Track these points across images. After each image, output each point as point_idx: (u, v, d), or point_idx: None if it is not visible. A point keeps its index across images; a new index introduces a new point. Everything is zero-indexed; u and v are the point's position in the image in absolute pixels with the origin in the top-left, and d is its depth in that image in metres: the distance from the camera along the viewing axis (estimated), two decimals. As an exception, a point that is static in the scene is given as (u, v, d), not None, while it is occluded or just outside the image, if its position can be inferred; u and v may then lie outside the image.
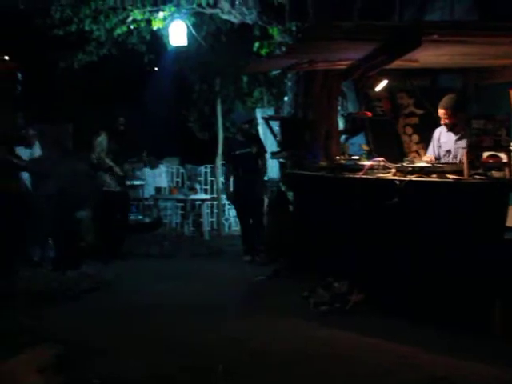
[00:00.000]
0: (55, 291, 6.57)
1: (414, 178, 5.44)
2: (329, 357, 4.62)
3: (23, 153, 8.18)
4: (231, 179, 9.00)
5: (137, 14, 8.66)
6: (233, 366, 4.38)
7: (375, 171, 5.96)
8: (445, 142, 6.59)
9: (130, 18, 8.79)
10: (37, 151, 8.61)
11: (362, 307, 5.77)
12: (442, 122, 6.47)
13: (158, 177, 12.62)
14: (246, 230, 8.90)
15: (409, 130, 8.42)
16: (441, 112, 6.42)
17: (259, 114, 11.79)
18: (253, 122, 9.43)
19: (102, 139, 8.73)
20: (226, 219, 12.18)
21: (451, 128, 6.45)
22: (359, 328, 5.20)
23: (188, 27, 9.08)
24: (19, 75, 6.41)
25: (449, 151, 6.54)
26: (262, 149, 8.91)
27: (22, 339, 4.63)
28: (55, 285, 6.82)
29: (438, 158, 6.58)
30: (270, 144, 10.52)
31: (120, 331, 5.25)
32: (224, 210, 12.16)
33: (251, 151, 8.63)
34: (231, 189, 9.00)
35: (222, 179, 11.14)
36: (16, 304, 5.52)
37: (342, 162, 6.74)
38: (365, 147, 7.47)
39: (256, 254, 8.55)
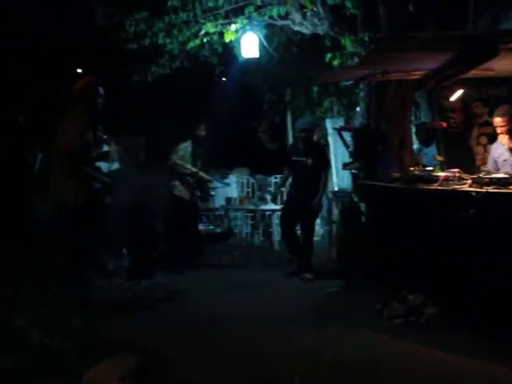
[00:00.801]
0: (130, 301, 6.68)
1: (491, 189, 5.33)
2: (405, 371, 4.56)
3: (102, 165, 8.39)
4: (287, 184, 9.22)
5: (209, 27, 8.77)
6: (307, 378, 4.36)
7: (450, 182, 5.87)
8: (501, 153, 6.60)
9: (203, 31, 8.89)
10: (115, 164, 8.80)
11: (437, 321, 5.66)
12: (499, 131, 6.52)
13: (228, 187, 12.72)
14: (285, 240, 8.91)
15: (483, 140, 8.27)
16: (498, 120, 6.50)
17: (329, 124, 11.76)
18: (311, 131, 8.79)
19: (187, 145, 8.94)
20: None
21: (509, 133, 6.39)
22: (435, 342, 5.11)
23: (259, 39, 9.13)
24: (100, 89, 6.53)
25: (505, 160, 6.52)
26: (321, 160, 8.59)
27: (100, 348, 4.71)
28: (130, 294, 6.93)
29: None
30: (342, 155, 10.48)
31: (193, 341, 5.30)
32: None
33: (305, 161, 8.39)
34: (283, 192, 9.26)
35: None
36: (92, 314, 5.61)
37: (416, 172, 6.66)
38: (439, 158, 7.36)
39: (301, 270, 8.30)
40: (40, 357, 4.30)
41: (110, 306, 6.35)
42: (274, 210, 11.57)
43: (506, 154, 6.75)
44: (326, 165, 8.86)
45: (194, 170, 8.97)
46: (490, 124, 8.25)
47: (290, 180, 9.16)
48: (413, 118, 8.21)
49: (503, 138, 6.78)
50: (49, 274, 7.28)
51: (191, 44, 9.17)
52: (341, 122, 11.37)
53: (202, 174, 9.06)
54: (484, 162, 7.99)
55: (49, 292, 6.09)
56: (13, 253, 6.98)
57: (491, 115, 8.16)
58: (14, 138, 7.04)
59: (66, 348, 4.45)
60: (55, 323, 4.95)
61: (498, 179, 5.47)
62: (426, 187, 6.05)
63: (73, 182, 6.33)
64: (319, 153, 8.76)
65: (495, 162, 6.82)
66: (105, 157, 7.24)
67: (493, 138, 8.16)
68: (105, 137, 7.68)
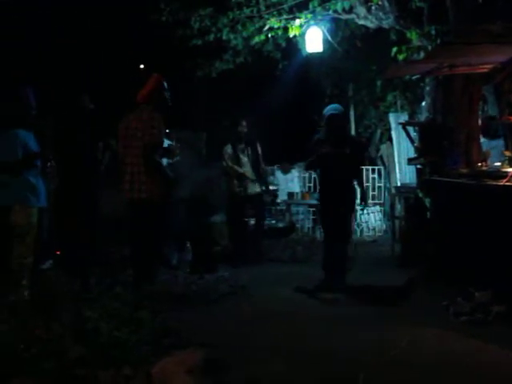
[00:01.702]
0: (194, 295, 6.76)
1: (562, 185, 5.22)
2: (473, 369, 4.49)
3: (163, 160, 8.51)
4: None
5: (273, 23, 8.78)
6: (374, 375, 4.34)
7: (519, 179, 5.77)
8: None
9: (267, 27, 8.92)
10: (176, 158, 8.90)
11: (505, 318, 5.56)
12: None
13: (290, 182, 12.74)
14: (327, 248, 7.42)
15: (552, 136, 8.06)
16: None
17: (393, 118, 11.68)
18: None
19: (227, 148, 8.97)
20: (358, 224, 12.11)
21: None
22: (503, 340, 5.01)
23: (323, 33, 9.10)
24: (165, 84, 6.64)
25: None
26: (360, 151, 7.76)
27: (167, 341, 4.79)
28: (194, 288, 7.01)
29: None
30: (405, 150, 10.39)
31: (258, 336, 5.32)
32: (356, 216, 12.09)
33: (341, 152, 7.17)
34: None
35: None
36: (159, 307, 5.69)
37: (484, 168, 6.55)
38: (507, 153, 7.20)
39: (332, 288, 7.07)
40: (109, 348, 4.39)
41: (175, 300, 6.44)
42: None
43: None
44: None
45: (240, 170, 8.95)
46: (559, 119, 8.06)
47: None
48: (480, 112, 8.04)
49: None
50: (114, 268, 7.48)
51: (256, 39, 9.21)
52: (404, 117, 11.27)
53: (248, 174, 9.00)
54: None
55: (116, 286, 6.24)
56: (81, 248, 7.14)
57: (561, 110, 7.98)
58: (85, 134, 7.17)
59: (134, 340, 4.54)
60: (123, 316, 5.05)
61: None
62: (495, 183, 5.95)
63: (150, 179, 6.44)
64: (357, 143, 7.96)
65: None
66: (168, 152, 7.32)
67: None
68: (167, 131, 7.77)
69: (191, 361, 4.04)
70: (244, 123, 9.06)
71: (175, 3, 9.65)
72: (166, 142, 7.79)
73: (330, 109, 7.32)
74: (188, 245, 8.59)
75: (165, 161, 8.02)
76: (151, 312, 5.29)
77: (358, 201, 7.66)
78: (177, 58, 11.67)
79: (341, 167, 7.14)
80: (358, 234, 12.04)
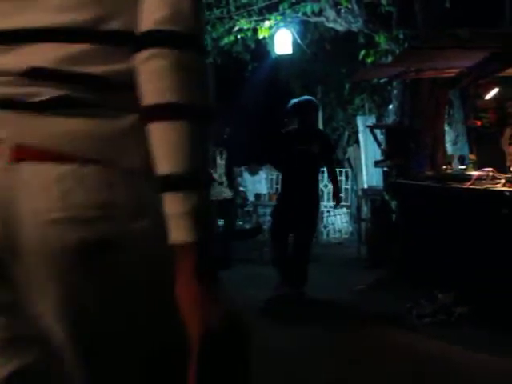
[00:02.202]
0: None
1: (525, 189, 5.30)
2: (436, 371, 4.55)
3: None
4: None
5: (243, 24, 8.80)
6: (333, 376, 4.37)
7: (483, 182, 5.85)
8: None
9: (237, 28, 8.93)
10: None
11: (467, 320, 5.63)
12: None
13: (257, 183, 12.74)
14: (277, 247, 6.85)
15: (516, 140, 8.20)
16: None
17: (360, 121, 11.76)
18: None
19: None
20: (325, 226, 12.17)
21: None
22: (465, 341, 5.08)
23: (293, 35, 9.15)
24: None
25: None
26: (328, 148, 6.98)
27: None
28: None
29: None
30: (372, 152, 10.46)
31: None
32: (322, 218, 12.16)
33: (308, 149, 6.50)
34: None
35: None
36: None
37: (449, 171, 6.63)
38: (472, 157, 7.32)
39: (290, 285, 6.67)
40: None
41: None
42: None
43: None
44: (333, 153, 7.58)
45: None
46: (523, 124, 8.21)
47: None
48: (446, 116, 8.15)
49: None
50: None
51: (225, 40, 9.21)
52: (372, 120, 11.36)
53: (214, 176, 9.00)
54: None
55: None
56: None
57: (526, 116, 8.13)
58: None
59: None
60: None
61: (533, 179, 5.45)
62: (459, 186, 6.03)
63: None
64: (325, 138, 7.16)
65: None
66: None
67: (526, 139, 8.11)
68: None
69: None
70: (227, 130, 9.10)
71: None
72: None
73: (302, 98, 6.86)
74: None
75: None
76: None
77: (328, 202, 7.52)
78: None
79: (307, 168, 6.53)
80: (325, 236, 12.10)
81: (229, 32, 9.21)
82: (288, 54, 9.47)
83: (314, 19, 8.88)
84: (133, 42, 1.12)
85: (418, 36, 7.48)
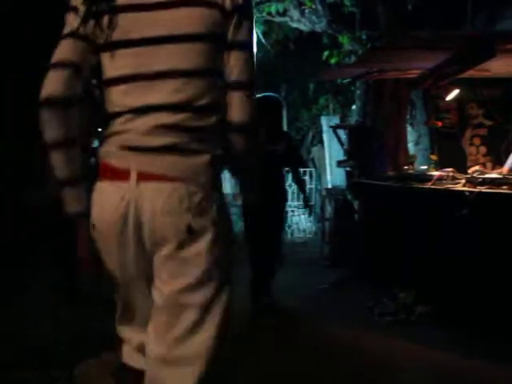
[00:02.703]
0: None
1: (484, 189, 5.35)
2: (392, 368, 4.58)
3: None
4: None
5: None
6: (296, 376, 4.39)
7: (444, 182, 5.90)
8: None
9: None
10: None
11: (427, 319, 5.69)
12: None
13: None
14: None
15: (477, 141, 8.31)
16: None
17: (324, 121, 11.81)
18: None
19: None
20: (289, 226, 12.19)
21: None
22: (424, 339, 5.12)
23: (257, 35, 9.15)
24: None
25: None
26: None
27: (93, 342, 4.72)
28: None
29: None
30: (336, 152, 10.51)
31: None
32: (286, 218, 12.17)
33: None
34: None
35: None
36: (85, 308, 5.59)
37: (411, 171, 6.69)
38: (433, 157, 7.40)
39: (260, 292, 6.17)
40: (34, 350, 4.32)
41: (105, 301, 6.33)
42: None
43: None
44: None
45: None
46: (484, 125, 8.31)
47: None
48: (408, 116, 8.23)
49: None
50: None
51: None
52: (336, 120, 11.42)
53: None
54: (476, 163, 8.04)
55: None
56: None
57: (486, 117, 8.23)
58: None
59: (53, 340, 4.48)
60: (44, 316, 4.96)
61: (492, 179, 5.51)
62: (420, 186, 6.08)
63: None
64: (290, 138, 6.55)
65: None
66: None
67: (486, 140, 8.23)
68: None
69: (115, 363, 3.97)
70: None
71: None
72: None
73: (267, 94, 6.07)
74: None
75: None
76: (76, 313, 5.20)
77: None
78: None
79: (275, 169, 6.02)
80: (289, 235, 12.12)
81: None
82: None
83: (278, 19, 8.91)
84: (214, 108, 2.10)
85: (380, 37, 7.56)
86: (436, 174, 6.08)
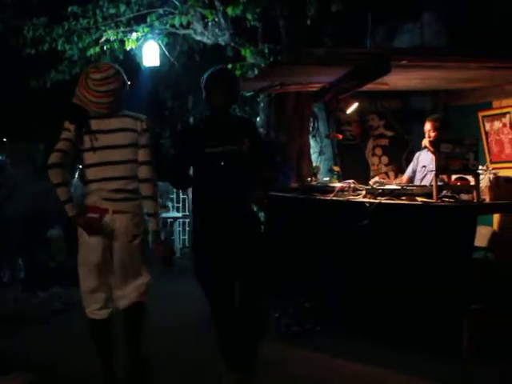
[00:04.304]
0: (25, 313, 6.52)
1: (383, 200, 5.50)
2: (296, 379, 4.65)
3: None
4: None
5: (110, 35, 8.67)
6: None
7: (346, 193, 6.01)
8: (423, 160, 6.68)
9: (104, 38, 8.78)
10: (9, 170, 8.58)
11: (332, 328, 5.79)
12: (427, 135, 6.51)
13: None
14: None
15: (378, 151, 8.52)
16: (427, 125, 6.47)
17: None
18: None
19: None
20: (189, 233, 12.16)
21: (432, 143, 6.45)
22: (329, 349, 5.24)
23: (161, 47, 9.10)
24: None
25: (424, 167, 6.60)
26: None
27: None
28: (25, 306, 6.77)
29: (412, 180, 6.70)
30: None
31: (88, 354, 5.20)
32: (186, 229, 12.17)
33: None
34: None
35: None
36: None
37: (314, 183, 6.79)
38: (336, 168, 7.54)
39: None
40: None
41: (5, 319, 6.19)
42: (175, 218, 11.56)
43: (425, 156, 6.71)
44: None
45: None
46: (385, 136, 8.55)
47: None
48: (311, 129, 8.36)
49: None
50: None
51: (91, 51, 9.02)
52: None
53: None
54: (379, 173, 8.26)
55: None
56: None
57: (386, 128, 8.48)
58: None
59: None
60: None
61: (391, 190, 5.66)
62: (323, 197, 6.18)
63: None
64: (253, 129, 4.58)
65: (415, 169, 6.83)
66: None
67: (388, 150, 8.46)
68: None
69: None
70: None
71: (8, 11, 9.29)
72: None
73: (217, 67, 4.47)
74: (20, 261, 8.26)
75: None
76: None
77: None
78: (9, 66, 11.20)
79: (236, 177, 4.14)
80: (184, 243, 12.09)
81: (96, 42, 9.04)
82: (157, 66, 9.40)
83: (182, 31, 8.88)
84: (136, 178, 4.27)
85: (282, 51, 7.65)
86: (338, 185, 6.18)
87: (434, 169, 5.23)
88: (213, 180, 4.13)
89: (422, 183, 6.35)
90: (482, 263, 5.81)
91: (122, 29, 8.80)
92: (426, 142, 6.53)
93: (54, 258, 9.04)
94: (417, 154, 6.85)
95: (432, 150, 6.29)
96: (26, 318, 6.38)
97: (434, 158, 6.31)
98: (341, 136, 8.09)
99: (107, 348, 4.23)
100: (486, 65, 5.70)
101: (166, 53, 9.36)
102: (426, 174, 6.51)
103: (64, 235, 9.17)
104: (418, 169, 6.70)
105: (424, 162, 6.60)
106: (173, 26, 8.59)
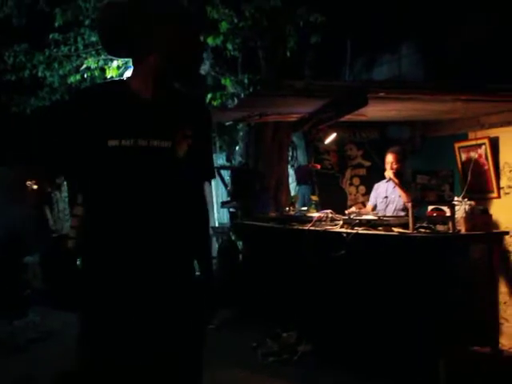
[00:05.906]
0: (1, 341, 6.45)
1: (360, 230, 5.53)
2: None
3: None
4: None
5: (90, 63, 8.70)
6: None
7: (323, 223, 6.03)
8: (383, 191, 6.88)
9: (84, 66, 8.81)
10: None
11: (310, 358, 5.77)
12: (389, 167, 6.69)
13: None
14: None
15: (356, 181, 8.56)
16: (390, 157, 6.64)
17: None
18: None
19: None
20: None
21: (396, 175, 6.61)
22: (306, 380, 5.23)
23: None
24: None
25: (386, 197, 6.76)
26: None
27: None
28: (0, 335, 6.69)
29: (375, 207, 6.88)
30: (223, 191, 10.58)
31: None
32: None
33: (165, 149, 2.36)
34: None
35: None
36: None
37: (291, 213, 6.81)
38: (314, 198, 7.57)
39: None
40: None
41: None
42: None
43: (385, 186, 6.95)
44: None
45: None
46: (362, 166, 8.60)
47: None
48: (290, 158, 8.41)
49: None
50: None
51: (72, 78, 9.04)
52: (223, 158, 11.51)
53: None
54: (356, 202, 8.30)
55: None
56: None
57: (364, 158, 8.54)
58: None
59: None
60: None
61: (368, 221, 5.69)
62: (300, 227, 6.20)
63: None
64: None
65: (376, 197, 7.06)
66: None
67: (365, 180, 8.52)
68: None
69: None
70: None
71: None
72: None
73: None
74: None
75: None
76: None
77: None
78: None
79: (162, 209, 2.35)
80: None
81: (77, 69, 9.07)
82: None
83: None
84: None
85: (262, 81, 7.72)
86: (316, 215, 6.20)
87: (397, 199, 5.30)
88: (117, 209, 2.30)
89: (386, 214, 6.47)
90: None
91: (102, 56, 8.83)
92: (389, 173, 6.74)
93: (30, 285, 8.95)
94: (375, 186, 7.07)
95: (396, 181, 6.52)
96: (1, 346, 6.29)
97: (396, 188, 6.55)
98: (319, 166, 8.13)
99: None
100: (459, 97, 5.78)
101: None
102: (388, 205, 6.68)
103: (40, 261, 9.09)
104: (380, 200, 6.87)
105: (385, 193, 6.81)
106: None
